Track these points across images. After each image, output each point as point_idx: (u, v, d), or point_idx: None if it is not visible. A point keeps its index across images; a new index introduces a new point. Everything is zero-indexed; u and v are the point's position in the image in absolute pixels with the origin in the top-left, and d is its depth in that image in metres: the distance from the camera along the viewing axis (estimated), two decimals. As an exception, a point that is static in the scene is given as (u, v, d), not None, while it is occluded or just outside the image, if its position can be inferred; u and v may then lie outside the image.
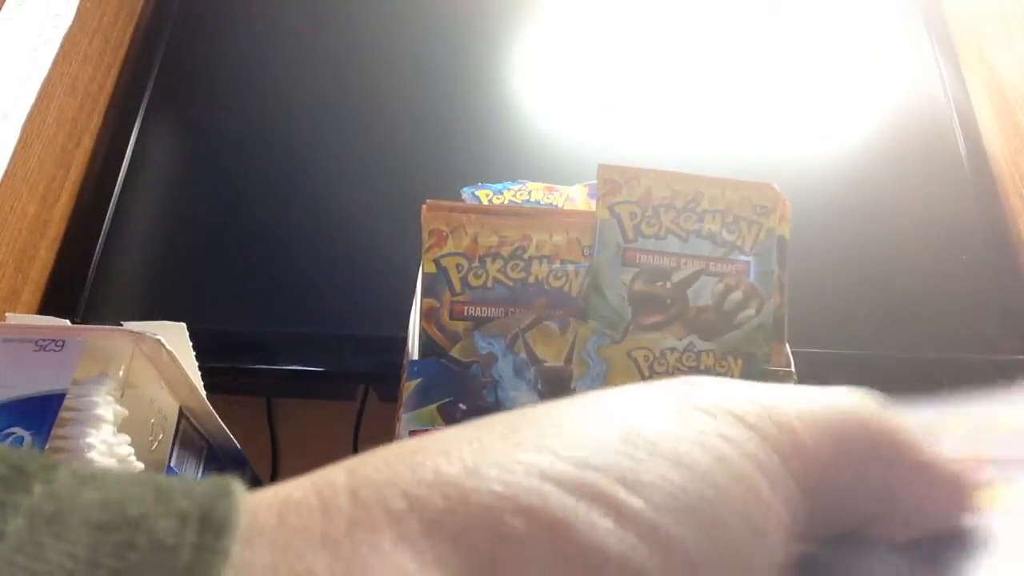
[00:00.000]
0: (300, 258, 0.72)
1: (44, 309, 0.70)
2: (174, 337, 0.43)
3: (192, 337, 0.48)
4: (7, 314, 0.55)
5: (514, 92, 0.82)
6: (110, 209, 0.75)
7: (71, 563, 0.09)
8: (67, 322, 0.42)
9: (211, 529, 0.10)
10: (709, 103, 0.81)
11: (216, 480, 0.12)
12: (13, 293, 0.67)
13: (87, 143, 0.78)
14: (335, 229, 0.73)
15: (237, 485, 0.12)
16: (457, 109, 0.81)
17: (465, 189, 0.64)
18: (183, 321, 0.48)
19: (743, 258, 0.46)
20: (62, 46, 0.75)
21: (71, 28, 0.76)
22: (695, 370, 0.44)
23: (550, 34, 0.87)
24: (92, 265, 0.72)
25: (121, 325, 0.42)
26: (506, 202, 0.59)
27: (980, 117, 0.80)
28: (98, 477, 0.11)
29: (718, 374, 0.44)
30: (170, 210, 0.76)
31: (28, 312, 0.69)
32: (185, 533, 0.10)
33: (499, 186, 0.66)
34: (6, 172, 0.67)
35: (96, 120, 0.80)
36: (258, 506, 0.12)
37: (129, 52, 0.85)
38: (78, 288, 0.71)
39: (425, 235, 0.46)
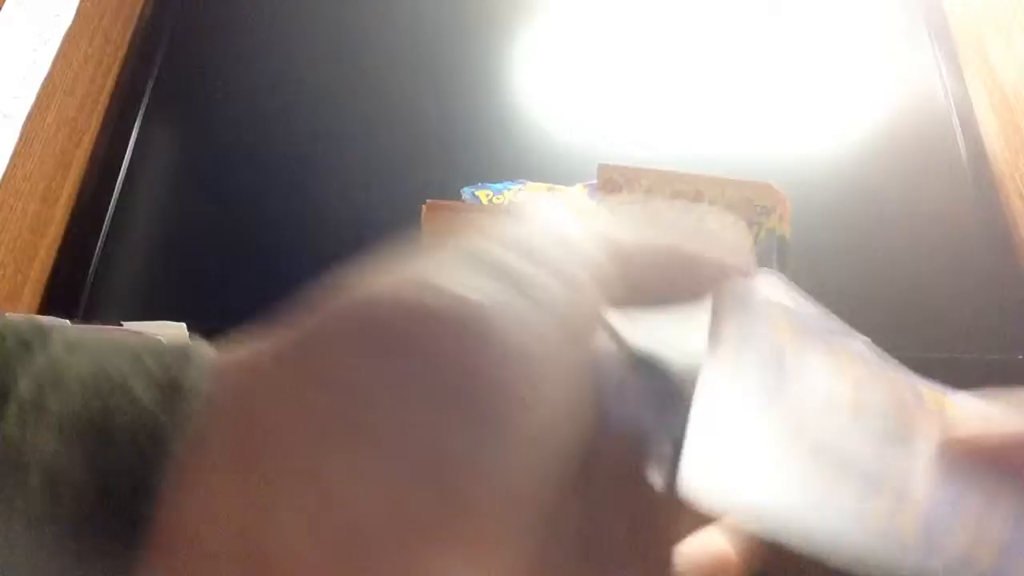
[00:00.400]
0: (300, 258, 0.72)
1: (44, 309, 0.70)
2: (174, 337, 0.43)
3: (192, 337, 0.48)
4: (7, 314, 0.55)
5: (514, 92, 0.82)
6: (110, 209, 0.75)
7: (70, 417, 0.11)
8: (67, 322, 0.42)
9: (179, 394, 0.12)
10: (709, 103, 0.81)
11: (181, 347, 0.14)
12: (13, 293, 0.67)
13: (87, 143, 0.78)
14: (335, 229, 0.73)
15: (198, 350, 0.14)
16: (457, 109, 0.81)
17: (465, 189, 0.64)
18: (183, 321, 0.48)
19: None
20: (62, 46, 0.75)
21: (71, 28, 0.76)
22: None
23: (550, 34, 0.87)
24: (92, 265, 0.72)
25: (121, 325, 0.42)
26: (506, 202, 0.59)
27: (980, 117, 0.80)
28: (83, 344, 0.13)
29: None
30: (170, 210, 0.76)
31: (28, 312, 0.69)
32: (160, 398, 0.12)
33: (499, 186, 0.66)
34: (6, 172, 0.67)
35: (96, 120, 0.79)
36: (222, 368, 0.14)
37: (129, 52, 0.85)
38: (78, 288, 0.71)
39: (425, 235, 0.46)
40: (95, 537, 0.11)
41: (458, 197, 0.61)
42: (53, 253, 0.73)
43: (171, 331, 0.44)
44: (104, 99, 0.81)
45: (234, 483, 0.12)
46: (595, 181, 0.47)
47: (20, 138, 0.68)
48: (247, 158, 0.78)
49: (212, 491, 0.12)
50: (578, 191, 0.59)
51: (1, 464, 0.11)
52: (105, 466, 0.11)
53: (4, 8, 0.69)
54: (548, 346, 0.14)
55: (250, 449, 0.12)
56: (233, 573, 0.11)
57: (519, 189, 0.61)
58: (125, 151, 0.78)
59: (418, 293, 0.14)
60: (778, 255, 0.46)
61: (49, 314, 0.46)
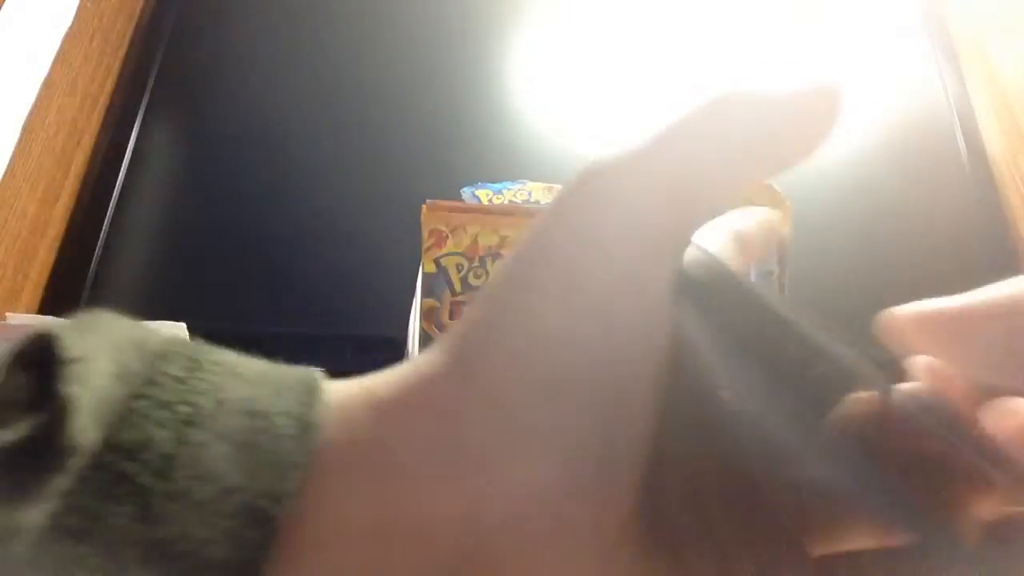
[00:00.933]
0: (300, 258, 0.72)
1: (44, 309, 0.70)
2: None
3: (192, 337, 0.48)
4: (7, 314, 0.55)
5: (514, 92, 0.82)
6: (110, 209, 0.75)
7: (234, 434, 0.15)
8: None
9: (310, 429, 0.15)
10: (709, 103, 0.81)
11: (308, 383, 0.16)
12: (13, 293, 0.67)
13: (87, 143, 0.78)
14: (335, 229, 0.73)
15: (321, 388, 0.16)
16: (457, 109, 0.81)
17: (465, 189, 0.64)
18: (183, 321, 0.48)
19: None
20: (62, 46, 0.75)
21: (71, 28, 0.76)
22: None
23: (550, 34, 0.87)
24: (92, 265, 0.72)
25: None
26: (506, 202, 0.59)
27: (980, 117, 0.80)
28: (239, 374, 0.16)
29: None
30: (170, 210, 0.76)
31: (28, 312, 0.69)
32: (295, 432, 0.15)
33: (499, 186, 0.66)
34: (6, 172, 0.67)
35: (96, 120, 0.79)
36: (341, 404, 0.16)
37: (129, 52, 0.85)
38: (78, 288, 0.71)
39: (425, 235, 0.46)
40: (242, 533, 0.14)
41: (458, 197, 0.61)
42: (53, 253, 0.73)
43: (171, 331, 0.44)
44: (104, 99, 0.81)
45: (355, 493, 0.15)
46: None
47: (20, 138, 0.68)
48: (246, 158, 0.78)
49: (338, 500, 0.15)
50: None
51: (190, 465, 0.14)
52: (254, 479, 0.14)
53: (4, 8, 0.69)
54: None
55: (370, 468, 0.16)
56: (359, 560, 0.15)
57: (519, 189, 0.61)
58: (125, 151, 0.78)
59: None
60: (778, 255, 0.46)
61: (49, 314, 0.46)
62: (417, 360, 0.17)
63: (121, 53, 0.84)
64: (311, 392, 0.16)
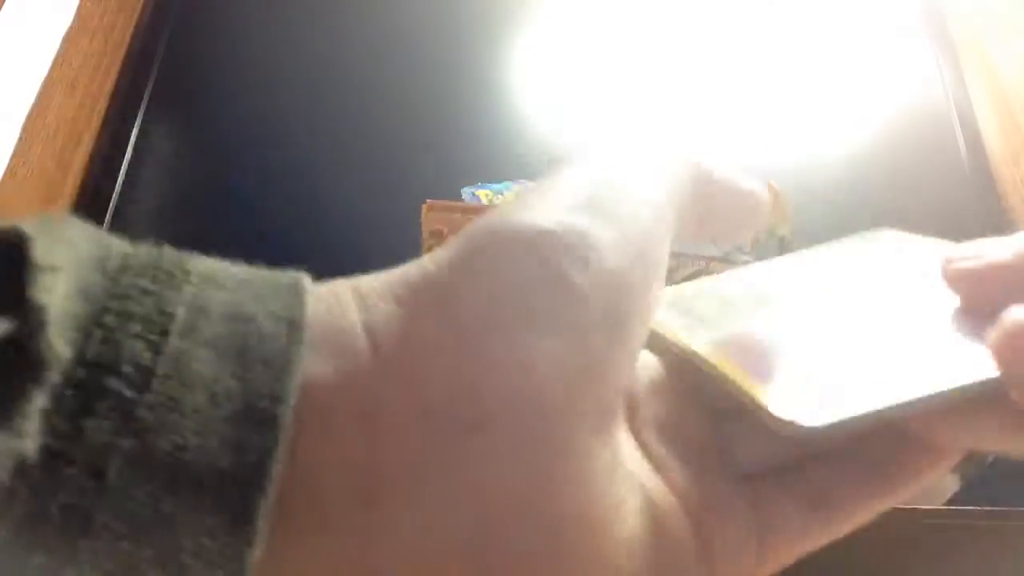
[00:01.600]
0: (300, 259, 0.72)
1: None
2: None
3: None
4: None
5: (514, 92, 0.82)
6: (110, 209, 0.75)
7: (220, 340, 0.14)
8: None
9: (297, 329, 0.15)
10: (711, 104, 0.81)
11: (291, 291, 0.16)
12: (13, 293, 0.67)
13: (87, 143, 0.78)
14: (335, 229, 0.73)
15: (300, 297, 0.16)
16: (457, 109, 0.81)
17: (465, 189, 0.65)
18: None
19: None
20: (62, 46, 0.75)
21: (71, 28, 0.76)
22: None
23: (551, 34, 0.87)
24: (92, 265, 0.72)
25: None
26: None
27: (980, 117, 0.80)
28: (216, 279, 0.16)
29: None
30: (170, 210, 0.76)
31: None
32: (283, 332, 0.15)
33: (499, 186, 0.66)
34: (6, 172, 0.67)
35: (96, 120, 0.79)
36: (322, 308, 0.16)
37: (129, 52, 0.85)
38: (78, 288, 0.71)
39: (425, 235, 0.46)
40: (243, 438, 0.13)
41: (458, 197, 0.61)
42: (53, 253, 0.73)
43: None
44: (104, 99, 0.81)
45: (348, 404, 0.15)
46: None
47: (20, 138, 0.68)
48: (247, 158, 0.78)
49: (331, 408, 0.15)
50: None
51: (173, 375, 0.13)
52: (248, 382, 0.14)
53: (4, 8, 0.69)
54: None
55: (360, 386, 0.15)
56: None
57: (519, 189, 0.61)
58: (125, 151, 0.78)
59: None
60: (779, 255, 0.46)
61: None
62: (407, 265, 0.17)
63: (121, 53, 0.84)
64: (297, 293, 0.16)
